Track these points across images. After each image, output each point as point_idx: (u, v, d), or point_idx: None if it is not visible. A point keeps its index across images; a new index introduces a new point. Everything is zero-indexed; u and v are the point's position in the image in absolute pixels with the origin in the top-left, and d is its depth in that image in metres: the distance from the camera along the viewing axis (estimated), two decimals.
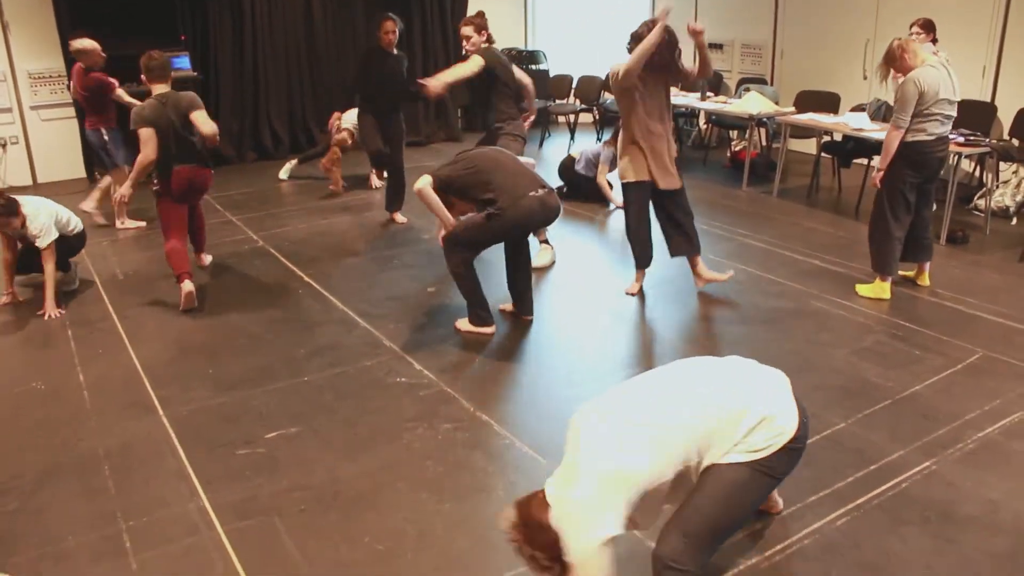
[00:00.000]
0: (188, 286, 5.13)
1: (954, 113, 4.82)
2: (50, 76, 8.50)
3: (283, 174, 8.61)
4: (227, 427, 3.78)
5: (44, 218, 5.15)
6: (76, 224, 5.49)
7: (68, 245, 5.43)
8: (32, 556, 2.92)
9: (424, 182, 4.29)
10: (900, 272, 5.24)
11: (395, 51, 6.62)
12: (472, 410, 3.88)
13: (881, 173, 4.93)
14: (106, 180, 7.04)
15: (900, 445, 3.47)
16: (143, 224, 7.02)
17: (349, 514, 3.12)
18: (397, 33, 6.54)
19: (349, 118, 7.82)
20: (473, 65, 5.38)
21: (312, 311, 5.12)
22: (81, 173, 8.84)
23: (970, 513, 3.04)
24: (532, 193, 4.40)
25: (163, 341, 4.74)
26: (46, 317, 5.10)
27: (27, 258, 5.34)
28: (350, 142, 8.00)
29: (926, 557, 2.82)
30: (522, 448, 3.56)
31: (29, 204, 5.14)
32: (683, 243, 5.17)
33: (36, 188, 8.28)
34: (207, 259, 6.05)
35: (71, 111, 8.67)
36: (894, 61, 4.77)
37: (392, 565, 2.85)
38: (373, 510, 3.14)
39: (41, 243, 5.11)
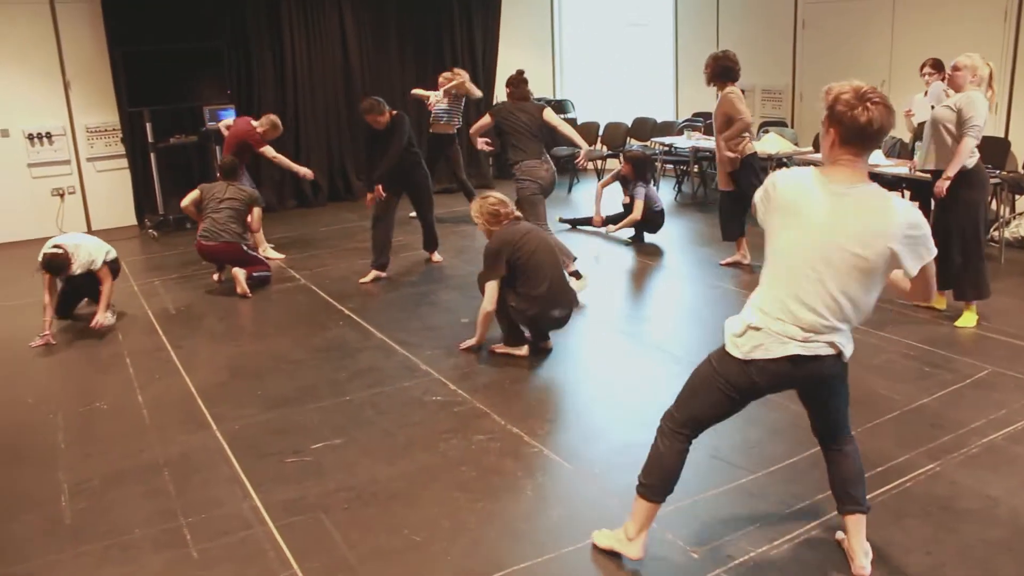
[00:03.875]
0: (217, 276, 6.80)
1: None
2: (106, 129, 9.06)
3: None
4: (276, 439, 4.07)
5: (86, 248, 5.73)
6: (109, 250, 5.99)
7: (107, 269, 5.90)
8: (102, 546, 3.22)
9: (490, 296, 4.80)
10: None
11: (390, 121, 6.64)
12: (504, 424, 4.14)
13: (948, 181, 5.00)
14: None
15: (906, 450, 3.68)
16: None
17: (389, 509, 3.39)
18: (380, 117, 6.58)
19: None
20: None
21: (352, 340, 5.43)
22: (132, 221, 9.33)
23: (970, 507, 3.23)
24: (556, 313, 4.86)
25: (214, 367, 5.08)
26: (94, 325, 5.65)
27: (67, 301, 5.95)
28: None
29: (926, 544, 3.01)
30: (550, 456, 3.81)
31: (69, 241, 5.72)
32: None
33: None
34: (239, 274, 6.56)
35: (124, 162, 9.21)
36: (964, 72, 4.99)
37: (428, 552, 3.10)
38: (411, 507, 3.41)
39: (96, 265, 5.70)
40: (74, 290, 5.98)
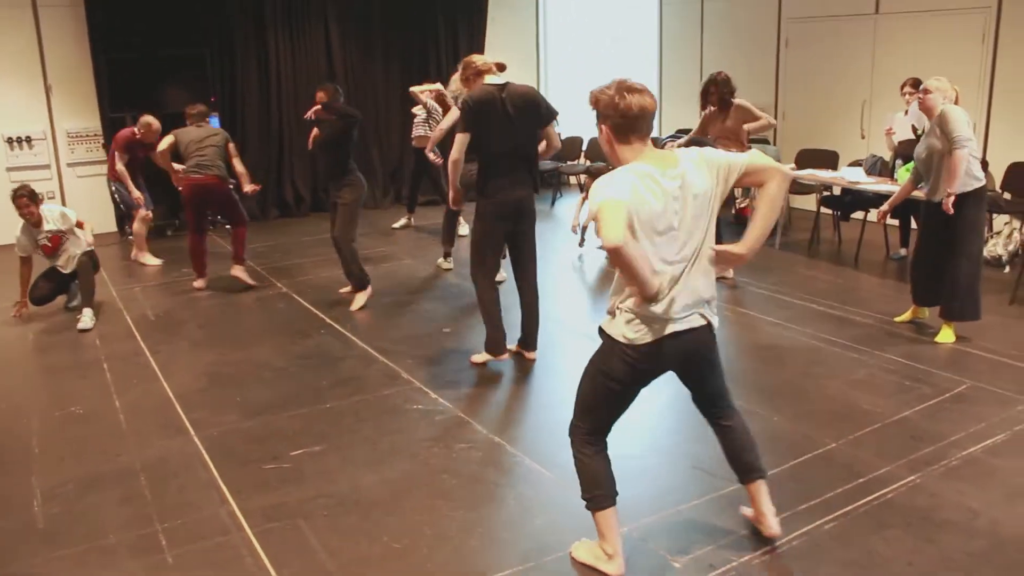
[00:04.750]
0: (199, 283, 6.84)
1: None
2: (87, 135, 8.98)
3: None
4: (255, 446, 4.03)
5: (56, 208, 6.13)
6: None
7: (92, 258, 6.22)
8: (77, 551, 3.17)
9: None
10: (898, 317, 5.51)
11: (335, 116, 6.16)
12: (485, 432, 4.12)
13: (952, 198, 4.92)
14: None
15: (887, 462, 3.68)
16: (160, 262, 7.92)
17: (369, 517, 3.36)
18: (326, 101, 6.21)
19: None
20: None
21: (333, 348, 5.40)
22: (112, 227, 9.23)
23: (950, 519, 3.24)
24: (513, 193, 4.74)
25: (193, 373, 5.03)
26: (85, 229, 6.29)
27: (47, 289, 6.22)
28: None
29: (907, 555, 3.01)
30: (531, 465, 3.79)
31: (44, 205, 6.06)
32: None
33: None
34: (238, 272, 6.85)
35: (105, 168, 9.11)
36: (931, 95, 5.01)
37: (408, 560, 3.07)
38: (392, 514, 3.37)
39: (72, 217, 6.11)
40: (54, 275, 6.24)
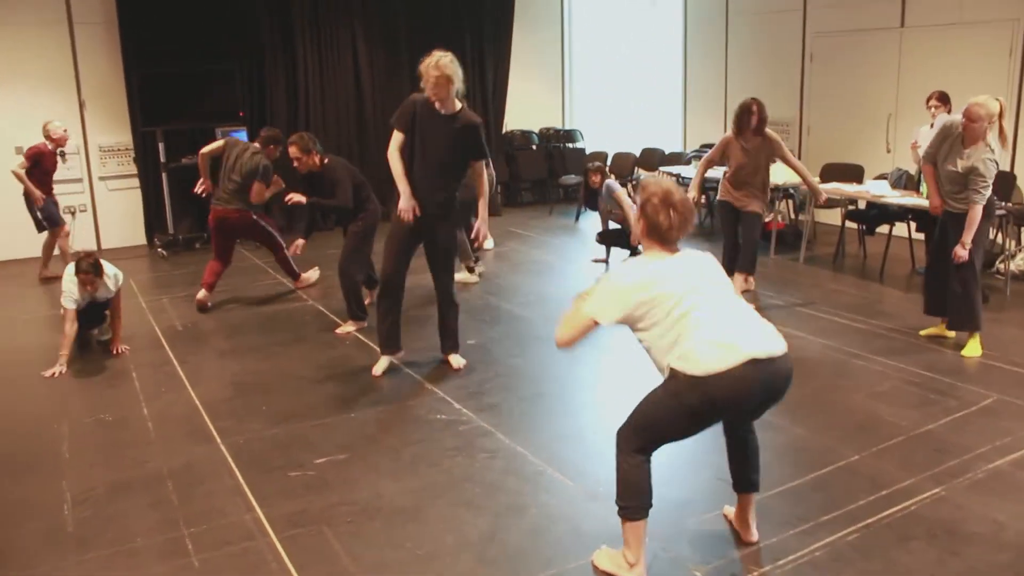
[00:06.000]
0: (201, 294, 6.65)
1: None
2: (118, 149, 9.15)
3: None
4: (280, 453, 4.08)
5: (111, 271, 5.69)
6: (118, 273, 5.95)
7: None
8: (105, 554, 3.23)
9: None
10: (924, 331, 5.51)
11: (322, 165, 6.27)
12: (508, 442, 4.14)
13: (967, 249, 4.99)
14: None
15: (911, 474, 3.66)
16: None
17: (392, 524, 3.39)
18: (300, 156, 6.16)
19: None
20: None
21: (358, 359, 5.45)
22: (142, 240, 9.39)
23: (976, 531, 3.22)
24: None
25: (220, 382, 5.09)
26: (117, 352, 5.68)
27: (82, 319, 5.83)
28: None
29: (931, 567, 3.00)
30: (554, 474, 3.80)
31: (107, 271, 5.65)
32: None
33: (100, 254, 8.75)
34: (309, 277, 7.41)
35: (135, 182, 9.29)
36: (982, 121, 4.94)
37: (430, 566, 3.09)
38: (414, 521, 3.40)
39: (113, 289, 5.68)
40: (86, 322, 5.83)
